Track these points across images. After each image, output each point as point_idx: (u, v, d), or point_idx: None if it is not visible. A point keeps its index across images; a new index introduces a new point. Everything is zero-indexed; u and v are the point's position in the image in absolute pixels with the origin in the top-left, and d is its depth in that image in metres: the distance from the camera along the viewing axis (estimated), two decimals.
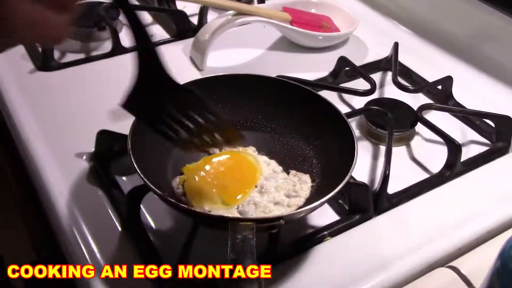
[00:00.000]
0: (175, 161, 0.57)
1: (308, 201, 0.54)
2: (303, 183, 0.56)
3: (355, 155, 0.53)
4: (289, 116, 0.62)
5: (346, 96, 0.75)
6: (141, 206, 0.55)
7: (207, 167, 0.56)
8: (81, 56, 0.81)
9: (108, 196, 0.58)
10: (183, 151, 0.54)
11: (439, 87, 0.75)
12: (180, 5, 0.92)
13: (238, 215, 0.52)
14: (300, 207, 0.53)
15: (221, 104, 0.63)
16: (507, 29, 0.79)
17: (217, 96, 0.62)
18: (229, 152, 0.58)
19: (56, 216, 0.56)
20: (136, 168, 0.48)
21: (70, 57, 0.80)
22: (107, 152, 0.61)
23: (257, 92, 0.63)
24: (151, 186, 0.47)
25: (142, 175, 0.48)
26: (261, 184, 0.56)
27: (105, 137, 0.61)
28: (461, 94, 0.75)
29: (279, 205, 0.54)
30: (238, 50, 0.84)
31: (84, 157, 0.62)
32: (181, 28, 0.85)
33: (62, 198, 0.58)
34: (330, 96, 0.73)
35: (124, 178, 0.61)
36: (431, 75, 0.77)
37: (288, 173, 0.58)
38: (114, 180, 0.60)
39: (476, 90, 0.77)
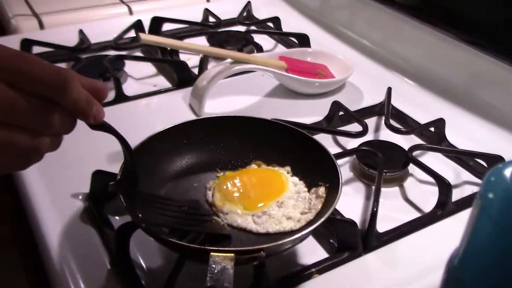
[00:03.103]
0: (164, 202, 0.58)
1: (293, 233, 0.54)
2: (318, 198, 0.58)
3: (339, 190, 0.53)
4: (279, 157, 0.63)
5: (340, 140, 0.77)
6: (132, 243, 0.56)
7: (241, 177, 0.61)
8: None
9: (100, 234, 0.59)
10: None
11: (432, 129, 0.76)
12: (184, 57, 0.95)
13: (252, 223, 0.56)
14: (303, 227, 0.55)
15: (213, 145, 0.65)
16: (499, 75, 0.80)
17: (209, 137, 0.64)
18: (264, 168, 0.63)
19: (47, 253, 0.57)
20: (122, 200, 0.50)
21: None
22: (102, 192, 0.63)
23: (249, 134, 0.65)
24: (134, 214, 0.49)
25: (125, 205, 0.49)
26: (282, 200, 0.59)
27: (99, 177, 0.62)
28: (454, 136, 0.76)
29: (290, 220, 0.56)
30: (236, 97, 0.86)
31: (80, 197, 0.64)
32: (182, 77, 0.89)
33: (55, 236, 0.59)
34: (324, 139, 0.75)
35: (117, 217, 0.62)
36: (425, 119, 0.78)
37: (309, 191, 0.60)
38: (107, 219, 0.61)
39: (469, 133, 0.78)
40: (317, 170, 0.60)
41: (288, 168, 0.63)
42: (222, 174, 0.63)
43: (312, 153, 0.61)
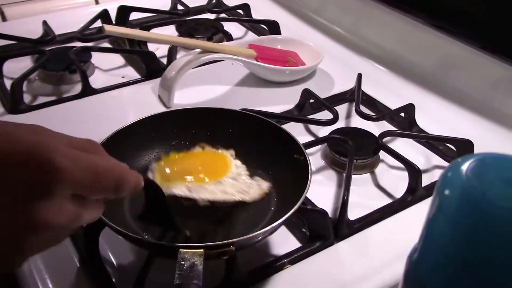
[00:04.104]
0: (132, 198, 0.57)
1: (263, 226, 0.54)
2: (258, 187, 0.58)
3: (309, 179, 0.53)
4: (248, 147, 0.63)
5: (312, 128, 0.77)
6: (101, 240, 0.55)
7: (182, 160, 0.60)
8: (52, 98, 0.82)
9: None
10: None
11: (402, 114, 0.76)
12: (153, 47, 0.94)
13: (185, 190, 0.55)
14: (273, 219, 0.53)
15: (182, 137, 0.64)
16: (468, 58, 0.81)
17: (177, 129, 0.64)
18: (210, 151, 0.62)
19: None
20: None
21: (41, 100, 0.82)
22: None
23: (218, 125, 0.64)
24: (102, 217, 0.47)
25: None
26: (221, 181, 0.58)
27: None
28: (425, 121, 0.76)
29: (225, 193, 0.56)
30: (206, 87, 0.85)
31: None
32: (151, 68, 0.87)
33: None
34: (295, 127, 0.75)
35: None
36: (395, 104, 0.78)
37: (252, 177, 0.60)
38: None
39: (440, 117, 0.78)
40: (286, 163, 0.59)
41: (233, 151, 0.62)
42: (165, 155, 0.62)
43: (283, 145, 0.61)
